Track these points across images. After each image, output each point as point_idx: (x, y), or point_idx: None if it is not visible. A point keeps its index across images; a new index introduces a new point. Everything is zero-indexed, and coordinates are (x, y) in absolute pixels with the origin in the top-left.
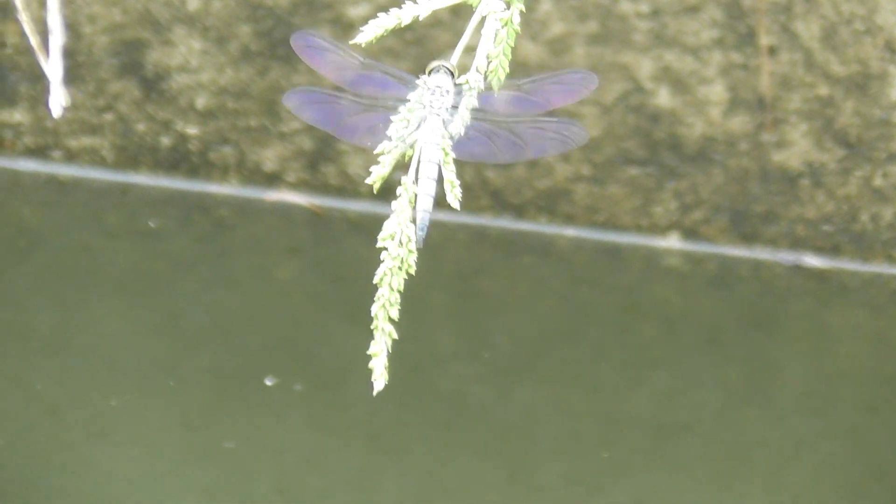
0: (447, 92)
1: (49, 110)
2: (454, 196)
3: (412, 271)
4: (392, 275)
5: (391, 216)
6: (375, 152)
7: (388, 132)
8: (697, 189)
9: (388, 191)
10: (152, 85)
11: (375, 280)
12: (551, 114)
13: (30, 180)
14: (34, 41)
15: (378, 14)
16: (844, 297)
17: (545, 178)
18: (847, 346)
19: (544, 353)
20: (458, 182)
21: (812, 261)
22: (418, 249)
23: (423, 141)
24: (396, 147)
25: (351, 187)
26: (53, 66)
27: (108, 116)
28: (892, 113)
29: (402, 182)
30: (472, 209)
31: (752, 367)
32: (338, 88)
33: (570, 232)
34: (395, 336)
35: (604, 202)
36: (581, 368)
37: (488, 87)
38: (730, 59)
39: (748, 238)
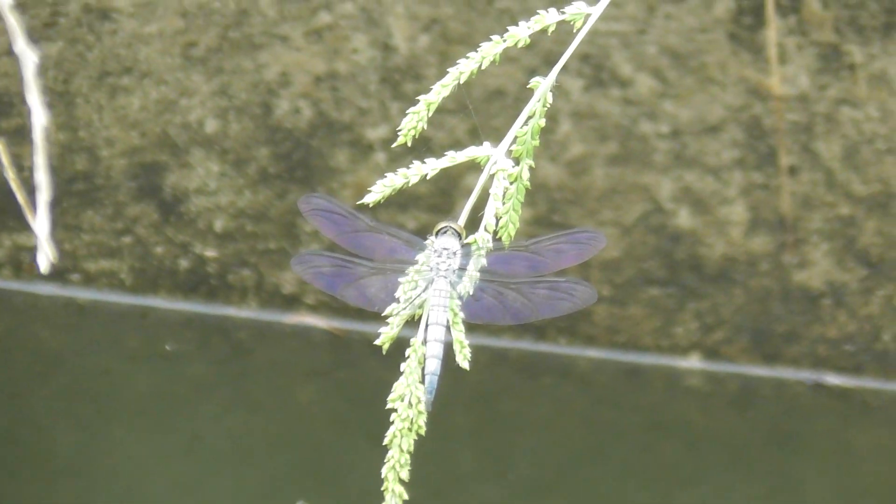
0: (454, 254)
1: (37, 264)
2: (463, 356)
3: (422, 432)
4: (402, 436)
5: (400, 377)
6: (384, 314)
7: (397, 294)
8: (718, 309)
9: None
10: (171, 208)
11: (385, 441)
12: (560, 273)
13: (49, 304)
14: (21, 197)
15: (397, 136)
16: (867, 416)
17: None
18: (870, 465)
19: (568, 474)
20: (467, 342)
21: (834, 380)
22: (427, 411)
23: (430, 303)
24: (405, 309)
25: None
26: (40, 223)
27: (127, 239)
28: None
29: (411, 343)
30: (492, 331)
31: (776, 485)
32: (345, 252)
33: (592, 353)
34: (406, 497)
35: (624, 323)
36: (606, 488)
37: (497, 248)
38: (750, 180)
39: (770, 358)
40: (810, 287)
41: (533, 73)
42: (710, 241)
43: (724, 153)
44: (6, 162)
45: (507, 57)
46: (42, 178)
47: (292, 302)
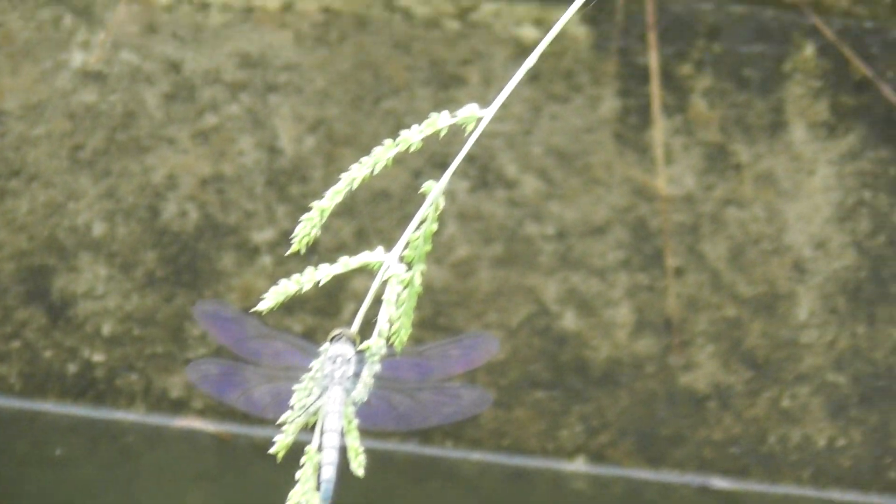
0: (348, 360)
1: None
2: (358, 463)
3: None
4: None
5: (296, 485)
6: (278, 422)
7: (291, 402)
8: (604, 412)
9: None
10: (59, 312)
11: None
12: (453, 380)
13: None
14: None
15: (283, 238)
16: None
17: None
18: None
19: None
20: (361, 449)
21: (720, 483)
22: None
23: (325, 410)
24: (299, 416)
25: (264, 417)
26: None
27: (15, 343)
28: (800, 333)
29: (306, 451)
30: (378, 434)
31: None
32: (239, 359)
33: (477, 456)
34: None
35: (510, 426)
36: None
37: (391, 354)
38: (636, 281)
39: (655, 461)
40: (696, 389)
41: (418, 174)
42: (596, 343)
43: (610, 254)
44: None
45: (394, 158)
46: None
47: (180, 406)
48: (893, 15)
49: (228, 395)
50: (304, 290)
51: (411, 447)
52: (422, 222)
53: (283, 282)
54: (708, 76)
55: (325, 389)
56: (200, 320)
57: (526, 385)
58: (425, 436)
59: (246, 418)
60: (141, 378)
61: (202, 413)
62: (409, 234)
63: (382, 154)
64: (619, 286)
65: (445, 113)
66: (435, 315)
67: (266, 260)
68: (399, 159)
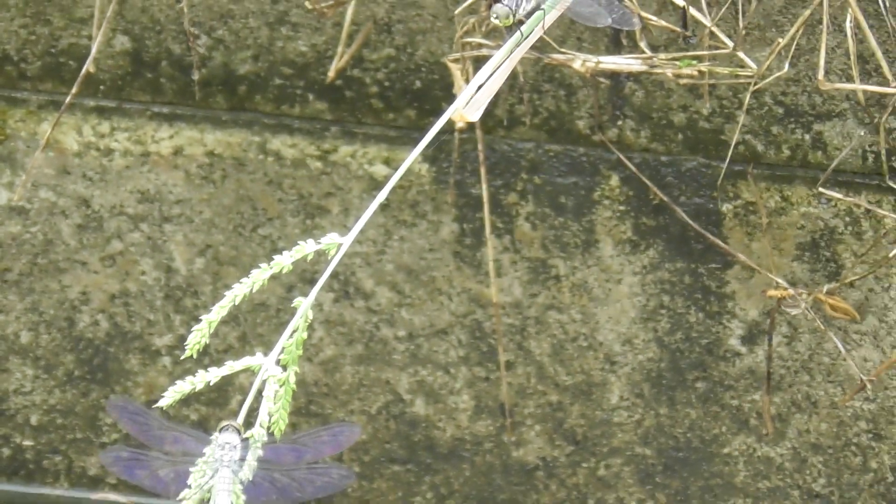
0: (235, 447)
1: None
2: None
3: None
4: None
5: None
6: (178, 498)
7: (189, 481)
8: (450, 482)
9: None
10: None
11: None
12: (324, 461)
13: None
14: None
15: (180, 343)
16: None
17: None
18: None
19: None
20: None
21: None
22: None
23: (216, 488)
24: (196, 493)
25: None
26: None
27: None
28: (612, 414)
29: None
30: None
31: None
32: (145, 446)
33: None
34: None
35: (372, 494)
36: None
37: (271, 441)
38: (474, 374)
39: None
40: (526, 461)
41: (291, 288)
42: (442, 425)
43: (452, 352)
44: None
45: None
46: None
47: (97, 481)
48: (684, 150)
49: (136, 476)
50: (197, 389)
51: None
52: (294, 331)
53: (179, 382)
54: (530, 203)
55: (216, 471)
56: (112, 413)
57: (385, 460)
58: None
59: (153, 493)
60: (64, 459)
61: (115, 487)
62: (283, 340)
63: (259, 275)
64: (461, 378)
65: (311, 241)
66: (307, 404)
67: (166, 360)
68: (274, 276)
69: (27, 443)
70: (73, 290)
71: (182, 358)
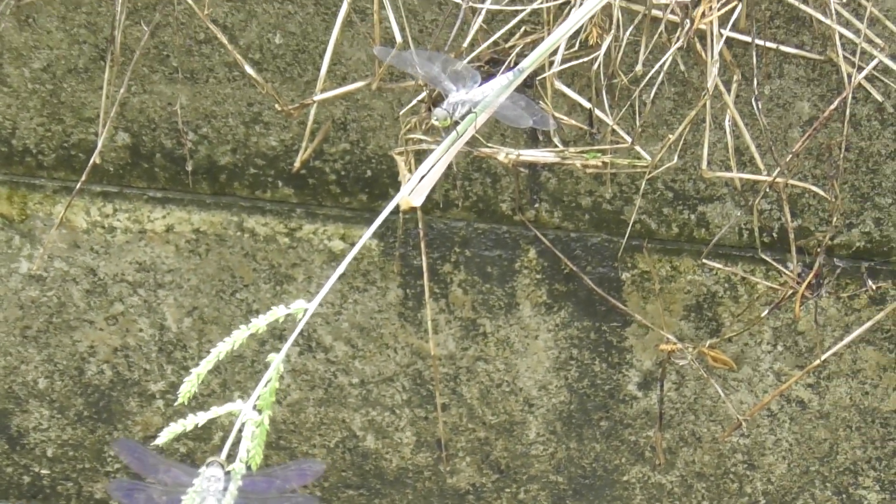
0: (219, 479)
1: None
2: None
3: None
4: None
5: None
6: None
7: None
8: None
9: None
10: (16, 441)
11: None
12: (291, 490)
13: None
14: None
15: (172, 388)
16: None
17: None
18: None
19: None
20: None
21: None
22: None
23: None
24: None
25: None
26: None
27: None
28: (530, 448)
29: None
30: None
31: None
32: (142, 477)
33: None
34: None
35: None
36: None
37: (249, 473)
38: (416, 414)
39: None
40: (459, 487)
41: (264, 343)
42: (389, 456)
43: (397, 396)
44: None
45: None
46: None
47: None
48: (590, 228)
49: (135, 502)
50: (187, 430)
51: None
52: (268, 382)
53: (172, 424)
54: (462, 272)
55: (203, 499)
56: (115, 450)
57: (341, 486)
58: None
59: None
60: (74, 485)
61: None
62: (259, 389)
63: (239, 335)
64: (405, 418)
65: (282, 306)
66: (277, 439)
67: (160, 403)
68: (251, 334)
69: (44, 471)
70: (83, 344)
71: (175, 404)
